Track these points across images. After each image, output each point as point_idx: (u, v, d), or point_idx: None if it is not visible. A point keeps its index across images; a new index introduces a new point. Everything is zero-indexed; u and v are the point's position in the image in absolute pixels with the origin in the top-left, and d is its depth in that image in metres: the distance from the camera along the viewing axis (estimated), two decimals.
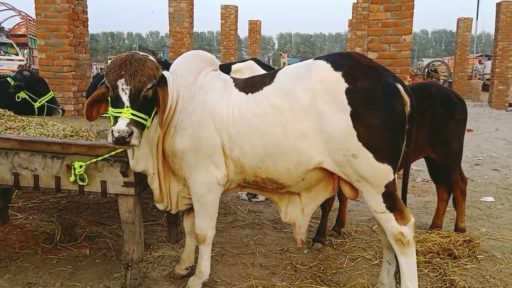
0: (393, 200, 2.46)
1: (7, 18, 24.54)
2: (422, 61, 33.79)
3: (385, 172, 2.40)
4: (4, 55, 17.84)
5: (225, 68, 4.70)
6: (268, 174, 2.62)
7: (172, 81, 2.69)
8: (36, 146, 2.86)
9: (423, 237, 3.70)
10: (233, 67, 4.68)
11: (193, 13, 13.23)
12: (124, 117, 2.28)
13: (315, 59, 2.60)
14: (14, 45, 18.85)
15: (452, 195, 3.95)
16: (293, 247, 3.73)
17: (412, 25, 5.82)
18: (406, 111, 2.41)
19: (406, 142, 2.48)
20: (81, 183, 2.84)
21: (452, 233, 3.77)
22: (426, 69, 22.29)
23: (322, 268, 3.35)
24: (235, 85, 2.73)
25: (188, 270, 3.17)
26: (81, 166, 2.78)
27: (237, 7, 18.55)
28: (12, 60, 18.02)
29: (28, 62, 20.98)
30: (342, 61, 2.47)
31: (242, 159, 2.63)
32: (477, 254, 3.55)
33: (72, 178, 2.81)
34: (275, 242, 3.87)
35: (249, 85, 2.69)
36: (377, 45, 5.92)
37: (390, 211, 2.47)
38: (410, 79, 19.63)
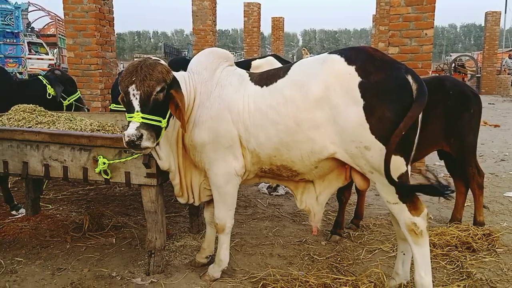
0: (406, 191, 2.51)
1: (37, 19, 25.33)
2: (451, 55, 33.07)
3: (397, 164, 2.45)
4: (35, 55, 18.42)
5: (246, 65, 4.81)
6: (283, 161, 2.72)
7: (189, 79, 2.82)
8: (65, 139, 3.03)
9: (442, 230, 3.71)
10: (253, 63, 4.78)
11: (216, 11, 13.37)
12: (135, 121, 2.40)
13: (330, 53, 2.67)
14: (44, 44, 19.46)
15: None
16: (311, 239, 3.80)
17: (434, 19, 5.78)
18: (413, 96, 2.40)
19: (404, 117, 2.37)
20: (105, 177, 2.99)
21: (471, 226, 3.77)
22: (453, 64, 21.84)
23: (339, 259, 3.41)
24: (250, 79, 2.83)
25: (208, 259, 3.28)
26: (104, 163, 2.93)
27: (260, 4, 18.63)
28: (42, 59, 18.61)
29: (58, 61, 21.61)
30: (355, 55, 2.52)
31: (258, 149, 2.73)
32: (496, 248, 3.54)
33: (98, 170, 2.96)
34: (294, 234, 3.95)
35: (264, 78, 2.79)
36: (398, 39, 5.91)
37: (403, 202, 2.51)
38: (437, 75, 19.29)
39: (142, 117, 2.42)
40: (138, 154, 2.82)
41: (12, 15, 14.09)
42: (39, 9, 25.15)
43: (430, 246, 3.32)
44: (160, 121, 2.50)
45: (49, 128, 3.50)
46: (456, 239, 3.58)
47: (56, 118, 3.70)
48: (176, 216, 4.37)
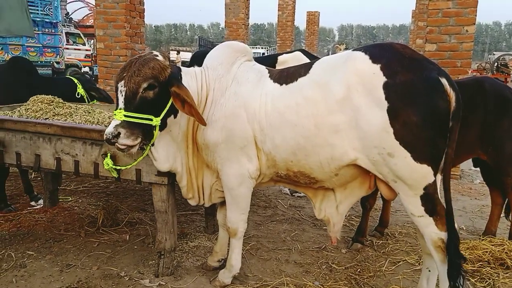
0: (432, 203, 2.28)
1: (76, 10, 25.88)
2: (494, 54, 31.72)
3: (423, 173, 2.22)
4: (72, 45, 18.78)
5: (272, 60, 4.62)
6: (300, 167, 2.53)
7: (201, 75, 2.67)
8: (77, 132, 2.94)
9: (473, 244, 3.43)
10: (279, 58, 4.59)
11: (249, 4, 13.22)
12: (115, 119, 2.32)
13: (354, 49, 2.45)
14: (81, 35, 19.78)
15: (507, 200, 3.63)
16: (331, 246, 3.59)
17: (475, 16, 5.42)
18: (450, 107, 2.21)
19: (448, 141, 2.26)
20: (114, 175, 2.89)
21: (506, 241, 3.46)
22: (496, 63, 20.86)
23: (359, 269, 3.21)
24: (269, 76, 2.65)
25: (220, 262, 3.14)
26: (108, 164, 2.83)
27: None
28: (79, 49, 18.95)
29: (95, 51, 21.94)
30: (381, 52, 2.29)
31: (273, 152, 2.55)
32: None
33: (106, 167, 2.86)
34: (313, 239, 3.76)
35: (284, 76, 2.59)
36: (436, 36, 5.58)
37: (430, 215, 2.29)
38: (478, 74, 18.51)
39: (125, 115, 2.31)
40: (145, 154, 2.69)
41: (51, 5, 14.32)
42: (78, 0, 25.69)
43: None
44: (150, 119, 2.38)
45: (65, 120, 3.43)
46: (488, 254, 3.30)
47: (74, 110, 3.64)
48: (193, 214, 4.25)
